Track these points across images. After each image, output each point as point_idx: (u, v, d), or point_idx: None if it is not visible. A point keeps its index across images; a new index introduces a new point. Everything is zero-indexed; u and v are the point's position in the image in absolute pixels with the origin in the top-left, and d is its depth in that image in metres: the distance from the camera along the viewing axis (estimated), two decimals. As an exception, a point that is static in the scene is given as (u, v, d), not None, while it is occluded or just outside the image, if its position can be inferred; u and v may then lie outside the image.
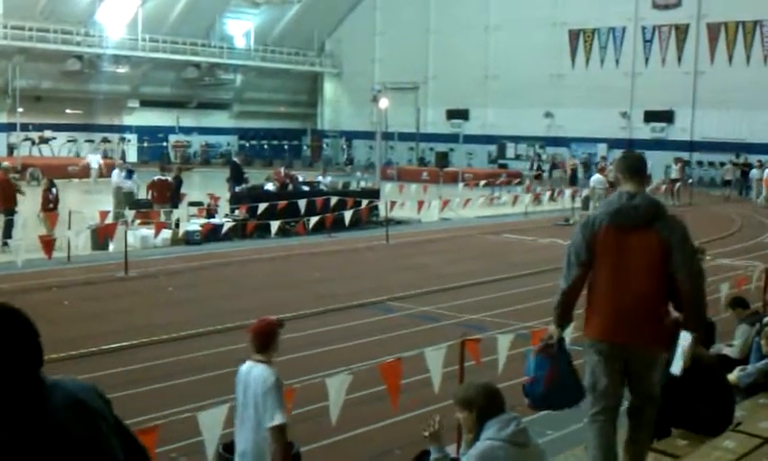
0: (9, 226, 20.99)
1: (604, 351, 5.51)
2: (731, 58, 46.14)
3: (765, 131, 44.45)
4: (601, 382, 5.57)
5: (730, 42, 46.13)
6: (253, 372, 5.57)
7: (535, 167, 40.41)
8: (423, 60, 58.00)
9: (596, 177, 31.77)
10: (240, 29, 59.74)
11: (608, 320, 5.41)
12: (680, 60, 47.93)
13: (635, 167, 5.50)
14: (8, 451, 2.31)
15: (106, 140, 55.95)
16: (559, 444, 8.45)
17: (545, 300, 14.97)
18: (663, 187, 37.29)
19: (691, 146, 47.66)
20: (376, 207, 27.40)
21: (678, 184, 37.52)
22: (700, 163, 47.71)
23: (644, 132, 49.37)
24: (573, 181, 41.46)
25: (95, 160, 42.24)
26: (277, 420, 5.43)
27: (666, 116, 48.54)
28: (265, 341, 5.65)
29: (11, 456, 2.31)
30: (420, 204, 27.54)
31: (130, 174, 26.60)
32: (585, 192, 32.32)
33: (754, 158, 42.88)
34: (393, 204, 26.31)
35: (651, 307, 5.33)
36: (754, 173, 38.64)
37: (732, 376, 8.17)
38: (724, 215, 32.43)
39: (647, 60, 49.21)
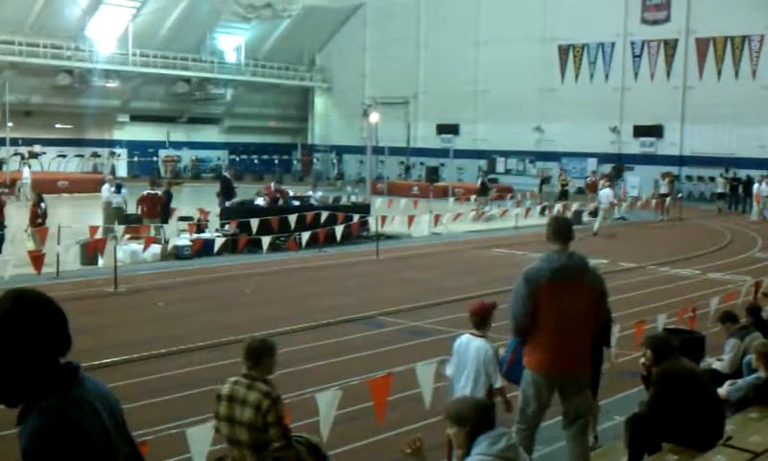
0: (-2, 241, 20.90)
1: (540, 383, 6.77)
2: (719, 72, 46.37)
3: (754, 145, 44.70)
4: (530, 407, 6.88)
5: (718, 57, 46.38)
6: (473, 343, 7.09)
7: (480, 183, 38.28)
8: (414, 75, 58.13)
9: (605, 191, 32.02)
10: (231, 44, 59.79)
11: (550, 355, 6.54)
12: (669, 74, 48.16)
13: (562, 231, 6.65)
14: (49, 423, 2.51)
15: (96, 155, 55.88)
16: (547, 460, 8.46)
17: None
18: (653, 202, 37.42)
19: (680, 160, 47.85)
20: (367, 222, 27.38)
21: (668, 199, 37.62)
22: (689, 178, 47.88)
23: (633, 146, 49.55)
24: (564, 195, 41.45)
25: (26, 174, 40.76)
26: (499, 383, 7.04)
27: (655, 131, 48.73)
28: (482, 319, 7.18)
29: (52, 427, 2.51)
30: (411, 218, 27.56)
31: (119, 188, 26.55)
32: (592, 205, 33.34)
33: (742, 173, 43.08)
34: (383, 218, 26.34)
35: (585, 343, 6.67)
36: (756, 188, 38.46)
37: (723, 391, 8.18)
38: (713, 229, 32.56)
39: (636, 74, 49.44)
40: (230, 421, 5.65)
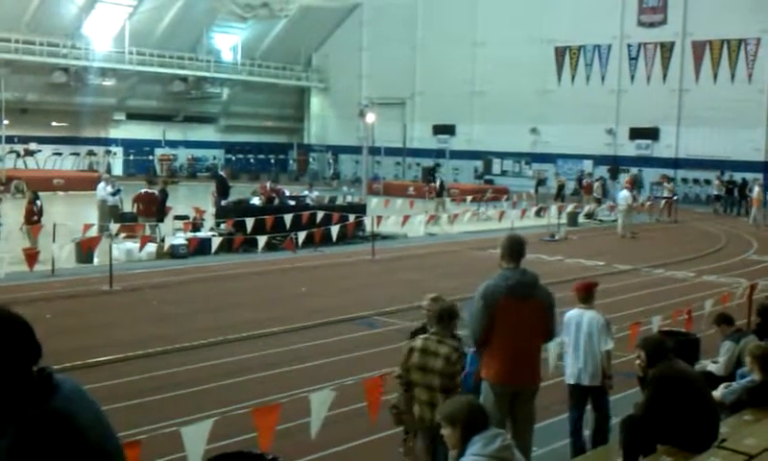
0: (-7, 238, 20.87)
1: (498, 393, 7.09)
2: (715, 76, 46.44)
3: (749, 148, 44.78)
4: (491, 414, 7.03)
5: (714, 60, 46.45)
6: (586, 315, 8.30)
7: (437, 186, 36.75)
8: (410, 76, 58.12)
9: (623, 193, 32.17)
10: (227, 43, 59.73)
11: (507, 367, 6.90)
12: (665, 77, 48.22)
13: (515, 250, 6.99)
14: (25, 437, 2.49)
15: (91, 153, 55.78)
16: (543, 460, 8.46)
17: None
18: (648, 204, 37.47)
19: (676, 163, 47.91)
20: (363, 222, 27.36)
21: (673, 201, 37.92)
22: (684, 180, 47.95)
23: (629, 148, 49.60)
24: (560, 197, 41.53)
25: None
26: (610, 345, 8.24)
27: (651, 133, 48.79)
28: (588, 295, 8.50)
29: (28, 441, 2.49)
30: (406, 218, 27.56)
31: (117, 191, 26.34)
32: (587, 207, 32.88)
33: (738, 176, 43.16)
34: (379, 218, 26.31)
35: (537, 355, 7.07)
36: (757, 192, 38.36)
37: (717, 393, 8.18)
38: (709, 232, 32.61)
39: (633, 77, 49.48)
40: (423, 369, 6.75)
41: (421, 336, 6.99)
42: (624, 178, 47.50)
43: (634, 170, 47.04)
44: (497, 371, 6.93)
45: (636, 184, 42.06)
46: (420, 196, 40.01)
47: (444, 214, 32.39)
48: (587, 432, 8.47)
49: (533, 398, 7.26)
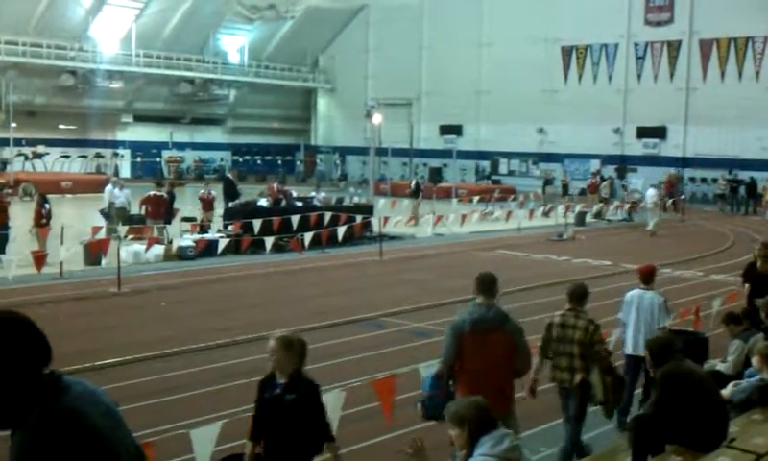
0: (2, 241, 20.90)
1: None
2: (723, 74, 46.33)
3: (757, 147, 44.64)
4: None
5: (722, 59, 46.33)
6: (647, 295, 9.56)
7: (413, 186, 36.04)
8: (416, 76, 58.11)
9: (651, 191, 32.23)
10: (234, 45, 59.79)
11: (473, 394, 6.71)
12: (672, 76, 48.12)
13: (486, 286, 7.31)
14: (36, 436, 2.53)
15: (99, 155, 55.90)
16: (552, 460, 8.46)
17: (539, 315, 14.95)
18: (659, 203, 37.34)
19: (683, 162, 47.80)
20: (370, 223, 27.36)
21: (681, 200, 38.02)
22: (692, 179, 47.83)
23: (637, 148, 49.49)
24: (566, 196, 41.53)
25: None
26: (667, 322, 9.55)
27: (659, 132, 48.66)
28: (649, 276, 9.80)
29: (39, 440, 2.52)
30: (412, 218, 27.56)
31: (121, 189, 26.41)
32: (596, 207, 32.73)
33: (746, 175, 43.06)
34: (386, 219, 26.28)
35: (504, 386, 7.23)
36: None
37: (726, 392, 8.17)
38: (716, 231, 32.52)
39: (639, 76, 49.36)
40: (562, 340, 8.10)
41: (558, 313, 8.30)
42: (632, 176, 47.58)
43: (672, 170, 46.50)
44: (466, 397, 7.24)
45: (675, 185, 42.26)
46: (427, 197, 40.00)
47: (421, 216, 31.83)
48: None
49: (508, 418, 7.26)
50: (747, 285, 11.80)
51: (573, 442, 8.27)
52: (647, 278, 9.77)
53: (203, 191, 28.71)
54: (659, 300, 9.56)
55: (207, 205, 27.45)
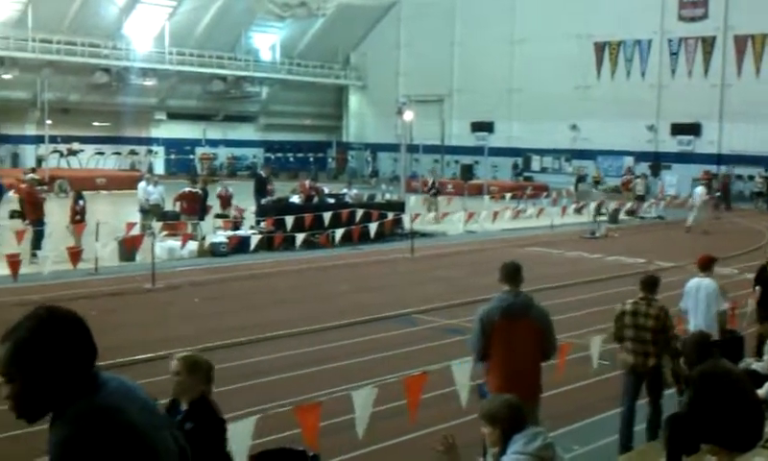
0: (38, 237, 21.15)
1: None
2: (758, 70, 45.73)
3: (793, 143, 44.08)
4: None
5: (757, 54, 45.75)
6: (704, 283, 10.02)
7: (429, 185, 35.51)
8: (448, 73, 57.99)
9: (699, 189, 32.19)
10: (266, 42, 60.04)
11: (504, 381, 7.20)
12: (706, 72, 47.60)
13: (511, 274, 7.51)
14: (74, 433, 2.54)
15: (133, 152, 56.43)
16: (584, 459, 8.43)
17: (573, 313, 14.94)
18: (690, 201, 36.93)
19: (719, 159, 47.26)
20: (401, 220, 27.36)
21: (716, 197, 37.71)
22: (717, 177, 47.26)
23: (671, 144, 49.01)
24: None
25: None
26: (724, 307, 10.15)
27: (693, 129, 48.14)
28: (707, 265, 10.32)
29: (77, 437, 2.53)
30: (444, 215, 27.52)
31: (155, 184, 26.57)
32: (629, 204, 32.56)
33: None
34: (417, 216, 26.19)
35: (534, 371, 7.47)
36: None
37: (762, 392, 8.08)
38: (753, 229, 32.14)
39: (673, 72, 48.89)
40: (635, 327, 8.53)
41: (630, 301, 8.74)
42: (666, 174, 47.18)
43: (713, 168, 46.00)
44: (497, 385, 7.34)
45: (727, 184, 41.99)
46: (458, 193, 39.91)
47: (432, 213, 31.17)
48: None
49: (533, 409, 7.39)
50: (758, 288, 11.87)
51: (655, 420, 8.49)
52: (705, 266, 10.30)
53: (220, 189, 28.83)
54: (714, 287, 10.06)
55: (225, 202, 27.49)
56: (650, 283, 8.87)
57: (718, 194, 40.08)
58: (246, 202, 28.08)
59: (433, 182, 35.70)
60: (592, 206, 32.06)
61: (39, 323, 2.62)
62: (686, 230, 30.09)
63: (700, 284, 10.05)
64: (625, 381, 8.80)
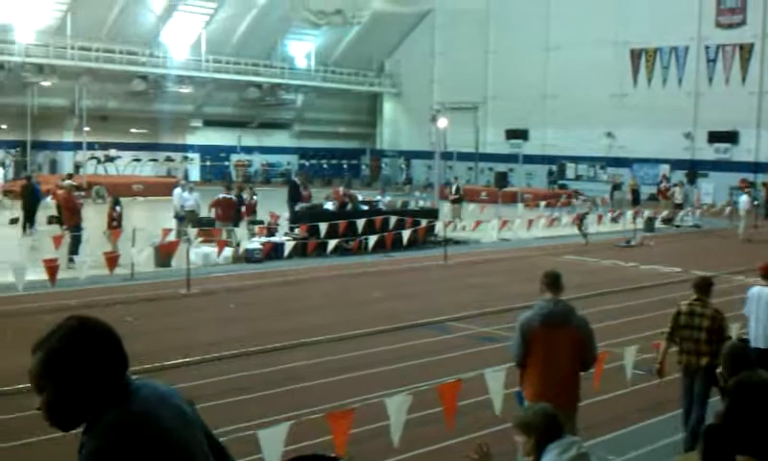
0: (75, 242, 21.41)
1: None
2: (797, 77, 45.24)
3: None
4: None
5: (796, 62, 45.27)
6: (765, 291, 9.99)
7: (453, 191, 34.97)
8: (482, 80, 57.89)
9: (744, 197, 32.48)
10: (301, 50, 60.32)
11: (541, 389, 7.24)
12: (744, 79, 47.08)
13: (552, 282, 7.54)
14: (107, 441, 2.55)
15: (169, 159, 56.92)
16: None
17: (609, 322, 14.81)
18: (728, 210, 36.50)
19: (756, 167, 46.70)
20: (435, 227, 27.33)
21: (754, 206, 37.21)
22: (765, 185, 46.67)
23: (708, 152, 48.51)
24: (636, 201, 40.89)
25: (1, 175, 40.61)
26: None
27: (730, 137, 47.61)
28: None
29: (110, 445, 2.55)
30: (477, 223, 27.46)
31: (191, 190, 26.72)
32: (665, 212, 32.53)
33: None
34: (449, 223, 26.08)
35: (573, 379, 7.47)
36: None
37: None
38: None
39: (711, 79, 48.41)
40: (690, 327, 8.72)
41: (685, 302, 8.97)
42: (702, 182, 46.67)
43: (749, 176, 45.42)
44: (534, 391, 7.36)
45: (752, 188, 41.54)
46: (492, 201, 39.78)
47: (461, 221, 30.84)
48: None
49: (571, 417, 7.41)
50: None
51: (699, 422, 8.49)
52: (765, 274, 10.34)
53: (245, 196, 28.66)
54: None
55: (249, 210, 27.27)
56: (704, 285, 9.05)
57: (756, 202, 39.54)
58: (280, 208, 28.21)
59: (457, 189, 35.28)
60: (629, 214, 31.76)
61: (71, 333, 2.64)
62: (743, 241, 29.89)
63: (762, 292, 10.09)
64: (682, 384, 8.94)
